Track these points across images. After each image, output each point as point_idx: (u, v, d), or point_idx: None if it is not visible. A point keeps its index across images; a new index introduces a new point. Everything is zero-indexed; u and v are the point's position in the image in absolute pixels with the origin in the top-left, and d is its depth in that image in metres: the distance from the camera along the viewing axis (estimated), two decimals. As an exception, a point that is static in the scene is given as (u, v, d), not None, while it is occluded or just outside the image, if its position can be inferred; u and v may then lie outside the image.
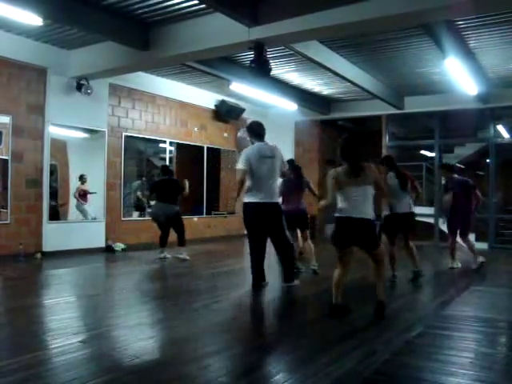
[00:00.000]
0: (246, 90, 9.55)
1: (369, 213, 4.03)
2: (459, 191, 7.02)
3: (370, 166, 4.09)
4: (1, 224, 7.34)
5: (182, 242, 7.68)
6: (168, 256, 7.61)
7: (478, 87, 8.57)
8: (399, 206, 5.84)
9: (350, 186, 4.00)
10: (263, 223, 5.21)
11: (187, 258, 7.52)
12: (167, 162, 10.15)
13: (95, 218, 8.66)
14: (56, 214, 8.27)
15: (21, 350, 3.19)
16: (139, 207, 9.68)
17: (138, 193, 8.77)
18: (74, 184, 8.68)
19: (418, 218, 10.75)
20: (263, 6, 5.59)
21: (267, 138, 5.48)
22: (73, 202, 8.64)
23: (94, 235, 8.44)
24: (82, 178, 8.62)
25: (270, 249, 5.43)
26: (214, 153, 11.43)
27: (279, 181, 5.67)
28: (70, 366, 2.90)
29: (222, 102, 10.98)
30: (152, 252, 8.39)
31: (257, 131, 5.40)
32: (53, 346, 3.31)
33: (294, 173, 6.34)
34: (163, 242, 7.71)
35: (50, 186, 8.02)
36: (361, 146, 4.08)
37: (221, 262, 7.78)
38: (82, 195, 8.67)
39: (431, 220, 10.83)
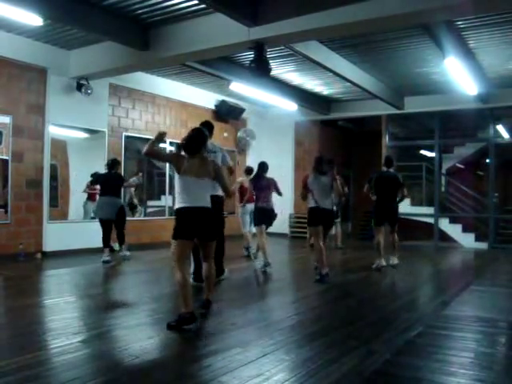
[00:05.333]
0: (246, 90, 9.56)
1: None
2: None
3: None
4: (1, 224, 7.35)
5: (121, 239, 7.55)
6: (110, 259, 7.27)
7: (477, 87, 8.58)
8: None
9: None
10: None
11: (128, 254, 7.54)
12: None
13: (94, 218, 8.66)
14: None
15: (21, 350, 3.19)
16: (131, 205, 9.53)
17: (132, 190, 8.60)
18: (73, 184, 8.67)
19: (417, 218, 10.90)
20: (263, 6, 5.59)
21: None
22: (74, 200, 8.66)
23: (94, 235, 8.42)
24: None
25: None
26: (214, 153, 11.40)
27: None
28: (70, 366, 2.91)
29: (222, 102, 10.98)
30: (152, 252, 8.41)
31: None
32: (53, 346, 3.32)
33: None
34: (106, 242, 7.39)
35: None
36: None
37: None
38: (93, 194, 8.59)
39: (431, 220, 10.84)
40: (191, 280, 5.04)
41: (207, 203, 3.99)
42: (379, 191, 7.06)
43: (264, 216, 6.93)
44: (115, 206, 7.38)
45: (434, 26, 6.30)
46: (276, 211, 7.13)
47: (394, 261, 7.20)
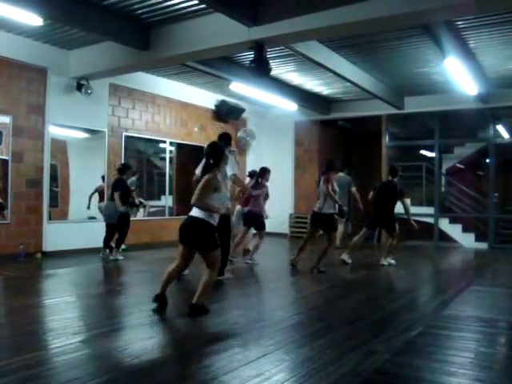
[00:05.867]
0: (246, 90, 9.55)
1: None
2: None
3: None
4: (1, 224, 7.35)
5: (118, 243, 7.67)
6: (108, 256, 7.59)
7: (477, 87, 8.57)
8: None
9: None
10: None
11: (121, 258, 7.59)
12: (167, 162, 10.15)
13: (94, 218, 8.67)
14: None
15: (21, 350, 3.19)
16: (132, 205, 9.55)
17: (132, 188, 8.73)
18: (73, 184, 8.67)
19: (417, 218, 10.89)
20: (263, 6, 5.59)
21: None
22: (74, 200, 8.65)
23: (94, 235, 8.43)
24: (104, 178, 8.76)
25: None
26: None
27: None
28: (69, 366, 2.91)
29: (222, 102, 10.97)
30: (152, 252, 8.41)
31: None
32: (53, 346, 3.32)
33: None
34: (106, 243, 7.71)
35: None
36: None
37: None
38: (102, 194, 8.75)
39: (431, 220, 10.84)
40: None
41: (201, 213, 4.07)
42: (379, 199, 7.48)
43: (249, 219, 7.39)
44: (116, 211, 7.56)
45: (434, 26, 6.30)
46: (266, 216, 7.47)
47: (384, 262, 7.46)
